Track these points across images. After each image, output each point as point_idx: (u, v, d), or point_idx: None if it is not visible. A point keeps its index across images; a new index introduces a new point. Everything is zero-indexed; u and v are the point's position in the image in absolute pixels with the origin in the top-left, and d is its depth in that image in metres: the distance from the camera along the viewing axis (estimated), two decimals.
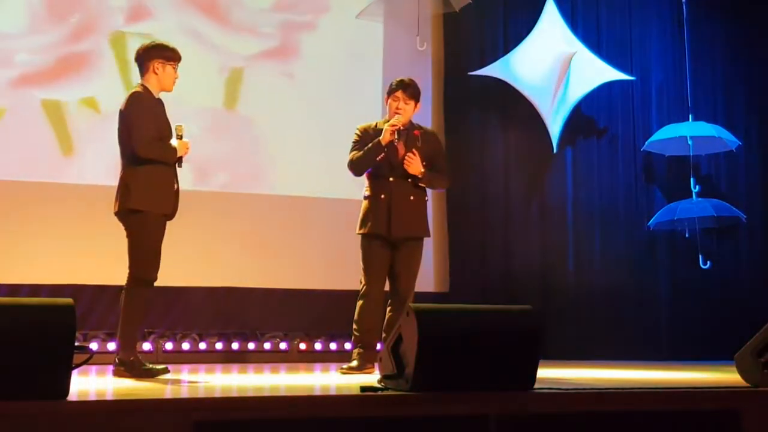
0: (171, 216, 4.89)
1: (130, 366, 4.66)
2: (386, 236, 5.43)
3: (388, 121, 5.50)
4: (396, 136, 5.39)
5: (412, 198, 5.46)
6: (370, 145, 5.43)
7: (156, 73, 4.87)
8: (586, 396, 3.50)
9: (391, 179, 5.47)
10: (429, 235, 5.66)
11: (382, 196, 5.47)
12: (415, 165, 5.40)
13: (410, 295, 5.45)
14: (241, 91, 7.75)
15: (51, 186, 6.96)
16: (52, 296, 5.45)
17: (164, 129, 4.87)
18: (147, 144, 4.75)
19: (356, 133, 5.61)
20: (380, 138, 5.40)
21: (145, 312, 4.89)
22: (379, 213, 5.45)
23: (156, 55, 4.88)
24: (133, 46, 5.17)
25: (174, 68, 4.91)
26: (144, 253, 4.76)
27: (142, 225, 4.75)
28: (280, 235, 7.63)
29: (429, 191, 5.65)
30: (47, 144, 7.02)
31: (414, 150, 5.41)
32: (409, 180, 5.45)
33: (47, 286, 6.68)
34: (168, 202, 4.83)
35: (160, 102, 4.92)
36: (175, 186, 4.90)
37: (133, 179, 4.76)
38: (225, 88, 7.68)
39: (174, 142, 4.85)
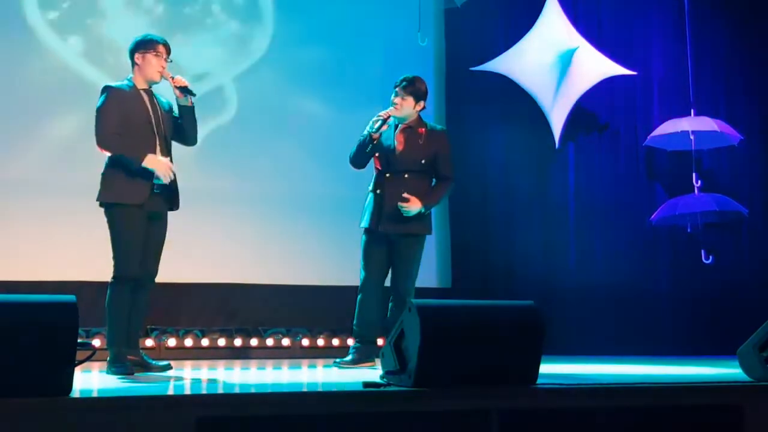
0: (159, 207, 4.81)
1: (113, 360, 4.66)
2: (376, 231, 5.48)
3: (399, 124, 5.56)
4: (378, 125, 5.40)
5: (405, 195, 5.45)
6: (360, 139, 5.49)
7: (138, 64, 4.88)
8: (589, 391, 3.50)
9: (387, 175, 5.51)
10: (427, 232, 5.60)
11: (378, 192, 5.52)
12: (413, 208, 5.40)
13: (408, 291, 5.45)
14: (238, 92, 7.76)
15: (53, 182, 6.97)
16: (55, 293, 5.46)
17: (132, 120, 4.77)
18: (103, 137, 4.73)
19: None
20: (370, 131, 5.44)
21: (124, 310, 4.75)
22: (373, 208, 5.51)
23: (135, 48, 4.91)
24: None
25: (155, 56, 4.85)
26: (118, 247, 4.73)
27: (113, 218, 4.73)
28: (283, 231, 7.64)
29: (429, 187, 5.55)
30: (54, 144, 7.05)
31: (406, 195, 5.39)
32: (406, 176, 5.45)
33: (51, 282, 6.69)
34: (139, 194, 4.72)
35: (136, 93, 4.85)
36: (153, 178, 4.75)
37: (106, 173, 4.77)
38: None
39: (152, 162, 4.71)
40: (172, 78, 4.86)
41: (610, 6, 8.31)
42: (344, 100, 7.89)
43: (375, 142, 5.44)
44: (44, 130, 7.07)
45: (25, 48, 7.23)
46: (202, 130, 7.53)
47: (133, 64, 4.90)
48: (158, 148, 4.80)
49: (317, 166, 7.77)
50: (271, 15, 7.96)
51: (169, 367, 4.79)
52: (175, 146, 5.01)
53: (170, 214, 4.93)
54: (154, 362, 4.82)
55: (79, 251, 6.83)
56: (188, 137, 5.02)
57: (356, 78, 7.95)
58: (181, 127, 4.97)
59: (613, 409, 3.39)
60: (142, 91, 4.87)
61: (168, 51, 4.93)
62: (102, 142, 4.75)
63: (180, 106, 4.93)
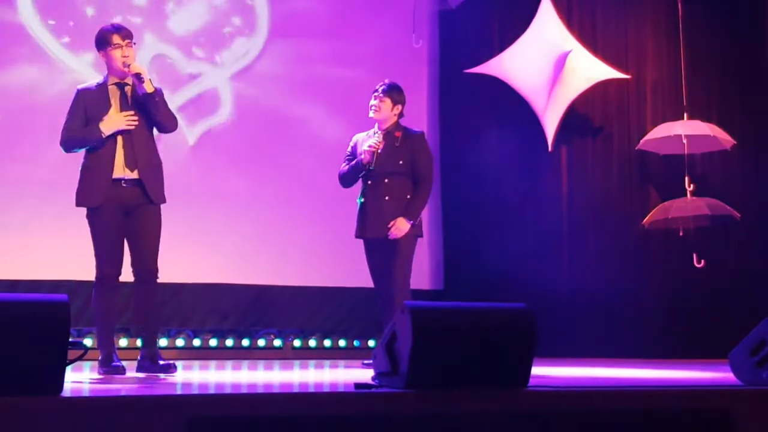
0: (114, 205, 4.69)
1: (101, 362, 4.65)
2: (367, 239, 5.65)
3: (379, 130, 5.69)
4: (374, 158, 5.57)
5: (386, 198, 5.57)
6: (353, 162, 5.67)
7: (105, 62, 4.83)
8: (580, 394, 3.50)
9: (369, 182, 5.65)
10: (416, 232, 5.67)
11: (363, 200, 5.67)
12: (401, 229, 5.51)
13: (396, 293, 5.48)
14: (234, 96, 7.76)
15: (49, 181, 6.95)
16: (51, 292, 5.45)
17: (94, 118, 4.70)
18: (62, 138, 4.77)
19: (350, 144, 5.81)
20: (362, 158, 5.61)
21: (107, 310, 4.74)
22: (359, 215, 5.68)
23: (97, 48, 4.85)
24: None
25: (114, 49, 4.75)
26: (94, 248, 4.72)
27: (88, 220, 4.74)
28: (276, 232, 7.63)
29: (411, 190, 5.64)
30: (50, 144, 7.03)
31: (396, 221, 5.49)
32: (386, 180, 5.58)
33: (46, 281, 6.69)
34: (96, 196, 4.67)
35: (103, 91, 4.78)
36: (112, 174, 4.68)
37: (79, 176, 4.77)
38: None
39: (108, 125, 4.65)
40: (128, 67, 4.74)
41: (605, 9, 8.32)
42: (338, 100, 7.89)
43: (366, 164, 5.61)
44: (42, 129, 7.04)
45: (23, 49, 7.22)
46: (197, 130, 7.59)
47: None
48: (119, 144, 4.70)
49: (311, 167, 7.76)
50: (266, 15, 7.96)
51: (173, 368, 4.70)
52: (171, 143, 4.97)
53: (163, 213, 4.86)
54: (163, 363, 4.69)
55: (75, 250, 6.81)
56: (158, 124, 4.83)
57: (350, 79, 7.95)
58: (150, 116, 4.79)
59: (604, 413, 3.39)
60: (113, 86, 4.80)
61: (125, 35, 4.78)
62: (62, 144, 4.80)
63: (142, 94, 4.75)
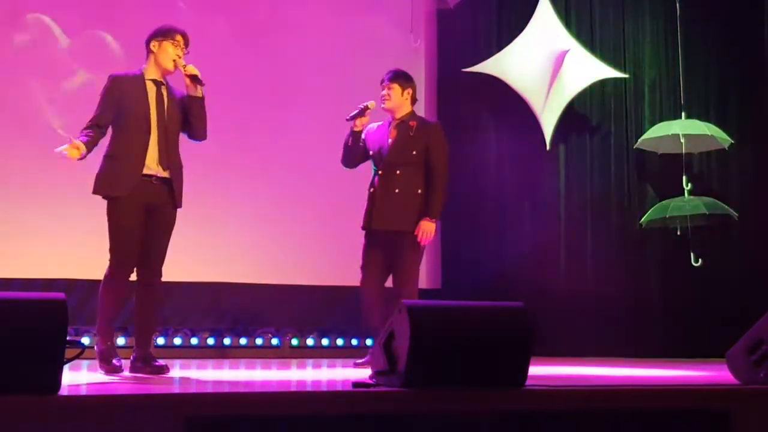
0: (138, 199, 4.58)
1: (101, 357, 4.62)
2: (372, 231, 5.49)
3: (393, 120, 5.60)
4: (354, 113, 5.50)
5: (397, 191, 5.44)
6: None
7: (153, 52, 4.74)
8: (577, 393, 3.51)
9: (380, 172, 5.52)
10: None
11: (371, 190, 5.55)
12: (427, 231, 5.41)
13: (404, 290, 5.37)
14: (232, 95, 7.74)
15: (46, 180, 6.94)
16: (45, 290, 5.43)
17: (128, 110, 4.63)
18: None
19: (362, 136, 5.71)
20: (349, 119, 5.54)
21: (114, 302, 4.67)
22: (367, 206, 5.54)
23: (153, 36, 4.77)
24: None
25: (172, 45, 4.71)
26: (110, 240, 4.62)
27: (107, 210, 4.64)
28: (274, 230, 7.63)
29: (423, 183, 5.50)
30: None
31: (420, 226, 5.39)
32: (398, 172, 5.46)
33: (40, 280, 6.67)
34: (125, 184, 4.56)
35: (140, 83, 4.70)
36: (143, 170, 4.60)
37: (101, 164, 4.67)
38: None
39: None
40: (184, 66, 4.71)
41: (602, 8, 8.33)
42: (337, 100, 7.87)
43: (356, 130, 5.51)
44: (39, 125, 7.03)
45: (23, 45, 7.22)
46: None
47: (149, 52, 4.75)
48: (153, 141, 4.63)
49: (309, 165, 7.76)
50: (264, 15, 7.95)
51: (166, 369, 4.69)
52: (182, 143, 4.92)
53: None
54: (156, 363, 4.64)
55: (70, 248, 6.81)
56: (196, 131, 4.81)
57: (348, 79, 7.94)
58: (189, 120, 4.77)
59: (601, 412, 3.39)
60: (150, 81, 4.71)
61: (186, 43, 4.77)
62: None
63: (189, 97, 4.75)
